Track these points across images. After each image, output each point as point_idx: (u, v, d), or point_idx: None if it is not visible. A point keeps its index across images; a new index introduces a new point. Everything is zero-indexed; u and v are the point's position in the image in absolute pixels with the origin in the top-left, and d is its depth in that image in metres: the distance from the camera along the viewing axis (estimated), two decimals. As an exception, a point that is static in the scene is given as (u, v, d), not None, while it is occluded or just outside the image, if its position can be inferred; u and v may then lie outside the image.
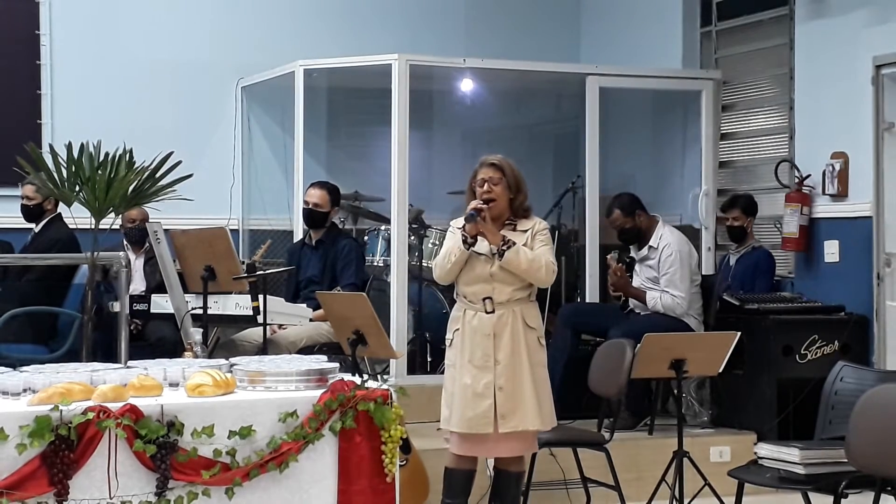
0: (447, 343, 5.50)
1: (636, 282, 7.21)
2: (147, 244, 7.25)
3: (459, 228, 5.40)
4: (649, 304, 7.07)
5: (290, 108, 8.02)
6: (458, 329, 5.43)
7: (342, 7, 9.01)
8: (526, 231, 5.42)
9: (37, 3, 8.37)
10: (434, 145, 8.95)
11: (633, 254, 7.31)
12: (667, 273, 7.05)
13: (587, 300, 7.84)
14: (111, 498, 3.93)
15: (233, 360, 4.66)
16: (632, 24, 9.06)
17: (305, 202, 7.19)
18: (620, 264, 7.21)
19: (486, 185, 5.40)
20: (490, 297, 5.34)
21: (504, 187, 5.41)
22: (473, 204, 5.34)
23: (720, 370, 5.98)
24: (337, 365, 4.58)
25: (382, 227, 7.77)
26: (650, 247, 7.14)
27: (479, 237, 5.33)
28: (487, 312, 5.35)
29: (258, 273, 6.22)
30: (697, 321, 7.10)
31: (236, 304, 6.19)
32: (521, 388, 5.32)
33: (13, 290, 7.15)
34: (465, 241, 5.33)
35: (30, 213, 7.45)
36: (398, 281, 7.32)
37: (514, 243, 5.31)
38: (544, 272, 5.34)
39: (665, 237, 7.13)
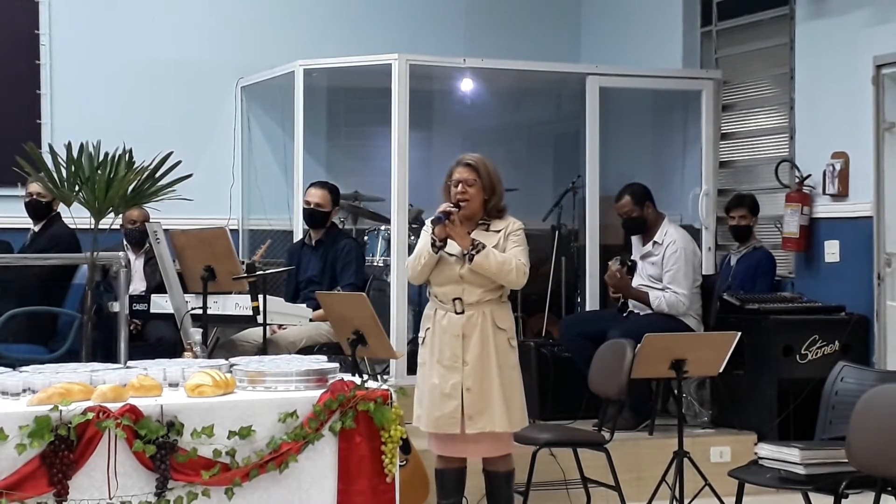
0: (420, 341, 5.51)
1: (636, 281, 7.20)
2: (147, 245, 7.24)
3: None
4: (653, 304, 7.04)
5: (290, 108, 8.02)
6: (429, 328, 5.44)
7: (342, 7, 9.01)
8: (499, 231, 5.40)
9: (36, 3, 8.37)
10: (434, 145, 8.94)
11: (634, 255, 7.29)
12: (670, 270, 7.03)
13: (587, 301, 7.84)
14: (111, 498, 3.92)
15: (232, 360, 4.65)
16: (632, 24, 9.06)
17: (307, 202, 7.18)
18: (622, 266, 7.19)
19: (460, 185, 5.37)
20: (460, 298, 5.34)
21: (479, 188, 5.38)
22: (442, 207, 5.32)
23: (720, 370, 5.98)
24: (337, 365, 4.57)
25: (382, 227, 7.77)
26: (654, 242, 7.12)
27: (448, 239, 5.32)
28: (457, 313, 5.34)
29: (258, 273, 6.22)
30: (697, 321, 7.09)
31: (236, 304, 6.19)
32: (489, 389, 5.30)
33: (13, 290, 7.14)
34: (433, 245, 5.31)
35: (38, 209, 7.38)
36: (398, 281, 7.32)
37: (484, 246, 5.28)
38: (514, 274, 5.32)
39: (670, 234, 7.11)
